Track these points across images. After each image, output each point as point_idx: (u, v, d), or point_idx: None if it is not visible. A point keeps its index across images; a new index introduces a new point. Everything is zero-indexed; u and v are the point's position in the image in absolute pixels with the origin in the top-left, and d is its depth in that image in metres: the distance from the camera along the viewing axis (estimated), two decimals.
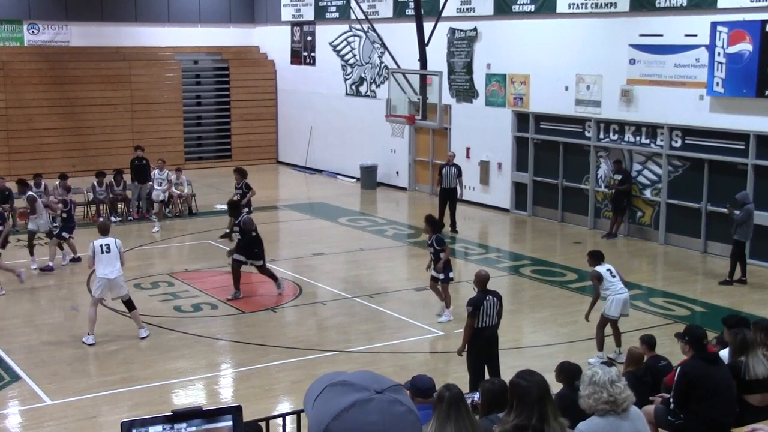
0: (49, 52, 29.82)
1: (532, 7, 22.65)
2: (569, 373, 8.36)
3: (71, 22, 30.17)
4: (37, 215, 18.51)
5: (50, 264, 18.09)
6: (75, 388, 12.04)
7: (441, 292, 14.92)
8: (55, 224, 18.92)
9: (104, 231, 14.12)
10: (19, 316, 15.24)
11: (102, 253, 13.63)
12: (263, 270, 16.36)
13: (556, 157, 22.76)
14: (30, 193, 18.80)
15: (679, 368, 8.56)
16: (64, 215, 18.60)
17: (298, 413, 9.16)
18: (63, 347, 13.57)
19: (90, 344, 13.54)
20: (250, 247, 16.10)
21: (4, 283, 16.56)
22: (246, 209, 19.91)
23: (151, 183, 22.99)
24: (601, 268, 13.04)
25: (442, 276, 14.74)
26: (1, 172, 24.96)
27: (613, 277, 13.04)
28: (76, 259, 18.52)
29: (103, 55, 30.42)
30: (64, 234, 18.43)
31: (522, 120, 23.60)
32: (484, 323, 11.16)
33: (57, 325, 14.75)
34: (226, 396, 12.11)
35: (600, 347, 12.89)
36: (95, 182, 22.95)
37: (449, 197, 21.58)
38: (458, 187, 21.59)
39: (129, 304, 13.94)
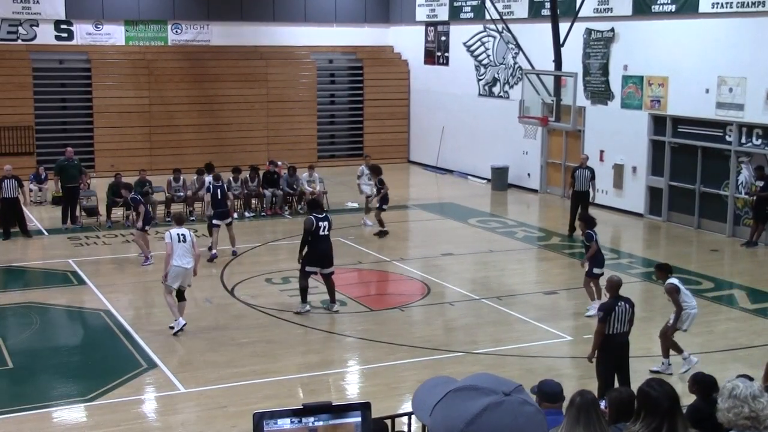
0: (191, 50, 30.78)
1: (672, 7, 22.04)
2: (704, 384, 8.09)
3: (212, 21, 31.05)
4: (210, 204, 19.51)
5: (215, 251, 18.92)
6: (207, 378, 12.38)
7: (590, 288, 15.05)
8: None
9: (180, 221, 14.91)
10: (157, 306, 15.75)
11: (179, 242, 13.98)
12: (327, 280, 15.28)
13: (693, 161, 22.08)
14: (202, 179, 20.59)
15: None
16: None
17: None
18: (196, 337, 13.95)
19: (182, 326, 13.85)
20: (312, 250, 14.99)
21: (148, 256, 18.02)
22: (377, 205, 20.71)
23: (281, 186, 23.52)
24: (674, 280, 12.48)
25: (586, 269, 14.94)
26: (142, 166, 25.91)
27: (687, 289, 12.60)
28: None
29: (241, 53, 31.20)
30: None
31: (659, 123, 23.00)
32: (615, 330, 10.96)
33: (191, 316, 15.15)
34: (353, 392, 12.22)
35: (666, 354, 12.49)
36: (231, 178, 23.53)
37: (582, 200, 21.24)
38: (591, 190, 21.27)
39: (182, 295, 14.19)
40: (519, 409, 2.28)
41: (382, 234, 20.90)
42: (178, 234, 14.08)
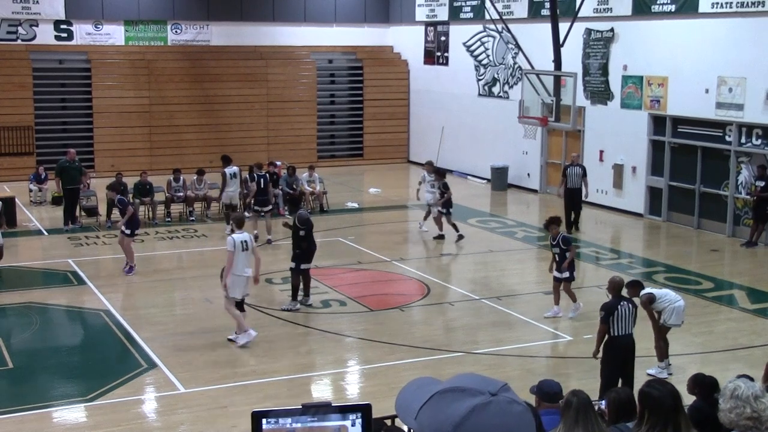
0: (191, 50, 30.77)
1: (672, 7, 22.04)
2: (704, 385, 8.06)
3: (212, 21, 31.05)
4: (226, 190, 21.19)
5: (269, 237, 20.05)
6: (207, 378, 12.37)
7: (564, 291, 14.87)
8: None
9: (241, 224, 13.87)
10: (156, 306, 15.78)
11: (242, 250, 13.36)
12: (305, 275, 15.39)
13: (693, 161, 22.08)
14: (223, 170, 21.29)
15: None
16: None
17: None
18: (196, 337, 13.95)
19: (245, 342, 13.40)
20: (296, 246, 15.26)
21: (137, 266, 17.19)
22: (441, 209, 20.18)
23: (281, 186, 23.37)
24: (648, 289, 12.29)
25: (566, 275, 14.65)
26: (143, 166, 25.91)
27: (661, 289, 12.54)
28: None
29: (241, 54, 31.20)
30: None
31: (658, 123, 22.99)
32: (619, 331, 10.87)
33: (191, 316, 15.19)
34: (353, 392, 12.22)
35: (662, 358, 12.40)
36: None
37: (575, 198, 21.38)
38: (583, 187, 21.34)
39: (242, 305, 13.74)
40: (507, 409, 2.25)
41: (459, 238, 20.23)
42: (242, 241, 13.33)
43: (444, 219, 20.44)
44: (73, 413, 11.43)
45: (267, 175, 20.81)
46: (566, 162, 24.37)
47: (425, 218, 21.34)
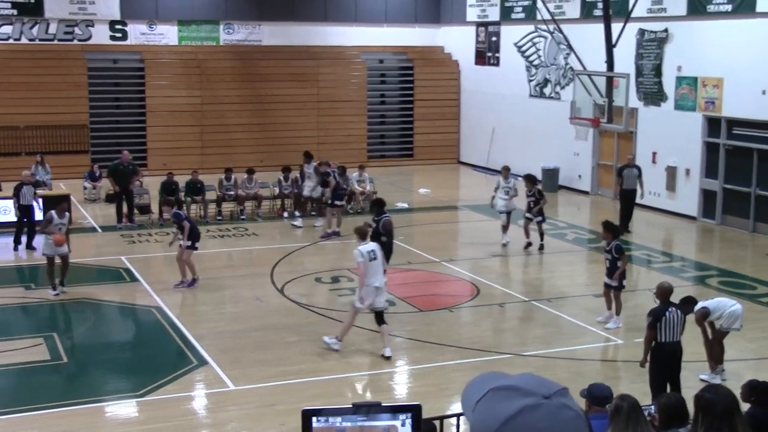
0: (243, 50, 31.00)
1: (728, 7, 21.70)
2: (761, 391, 7.90)
3: (264, 21, 31.25)
4: (313, 184, 21.99)
5: (331, 230, 20.90)
6: (256, 376, 12.45)
7: (612, 299, 14.60)
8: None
9: (364, 235, 13.49)
10: (207, 304, 15.91)
11: (370, 260, 13.06)
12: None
13: (749, 164, 21.73)
14: (314, 164, 22.23)
15: None
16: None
17: None
18: (247, 335, 14.05)
19: (335, 349, 13.25)
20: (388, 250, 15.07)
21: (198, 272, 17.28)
22: (539, 216, 19.53)
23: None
24: (702, 303, 12.03)
25: (615, 283, 14.40)
26: (194, 165, 26.12)
27: (713, 298, 12.30)
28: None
29: (292, 53, 31.35)
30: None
31: (713, 125, 22.66)
32: (665, 338, 10.70)
33: (241, 314, 15.29)
34: (401, 393, 12.21)
35: (714, 366, 12.15)
36: (281, 177, 23.63)
37: (630, 199, 21.19)
38: (639, 188, 21.11)
39: (381, 317, 13.22)
40: (556, 414, 2.22)
41: (541, 247, 19.59)
42: (368, 251, 13.01)
43: (535, 224, 19.66)
44: (124, 408, 11.58)
45: (336, 170, 21.75)
46: (620, 163, 24.12)
47: (504, 230, 20.13)
